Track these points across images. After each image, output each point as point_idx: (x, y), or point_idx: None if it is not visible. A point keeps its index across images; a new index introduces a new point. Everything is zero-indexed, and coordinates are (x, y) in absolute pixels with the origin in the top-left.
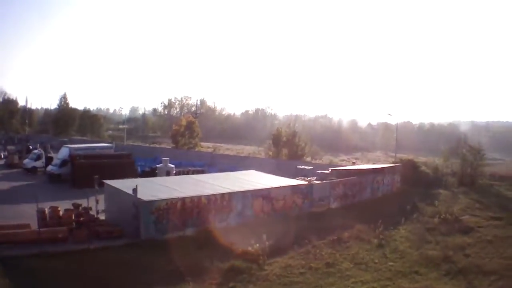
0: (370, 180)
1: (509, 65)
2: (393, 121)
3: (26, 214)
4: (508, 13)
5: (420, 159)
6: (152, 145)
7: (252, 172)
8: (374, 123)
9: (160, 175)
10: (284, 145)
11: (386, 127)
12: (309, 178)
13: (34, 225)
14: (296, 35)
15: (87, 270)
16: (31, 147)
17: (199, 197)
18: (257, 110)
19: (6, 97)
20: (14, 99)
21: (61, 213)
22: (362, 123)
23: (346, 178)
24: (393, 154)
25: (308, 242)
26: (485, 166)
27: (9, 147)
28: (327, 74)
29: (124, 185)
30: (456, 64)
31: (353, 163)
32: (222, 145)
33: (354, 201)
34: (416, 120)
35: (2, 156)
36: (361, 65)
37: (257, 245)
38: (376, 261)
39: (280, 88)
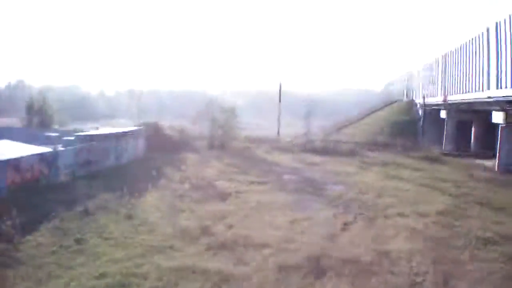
0: (113, 145)
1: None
2: (139, 87)
3: None
4: None
5: (166, 122)
6: None
7: (4, 142)
8: (121, 90)
9: None
10: (36, 114)
11: (132, 93)
12: (55, 146)
13: None
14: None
15: None
16: None
17: None
18: (18, 82)
19: None
20: None
21: None
22: (110, 92)
23: (89, 143)
24: (138, 120)
25: (55, 215)
26: (239, 129)
27: None
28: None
29: None
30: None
31: (96, 129)
32: None
33: (99, 168)
34: (165, 87)
35: None
36: (109, 35)
37: (9, 222)
38: (126, 235)
39: (35, 58)
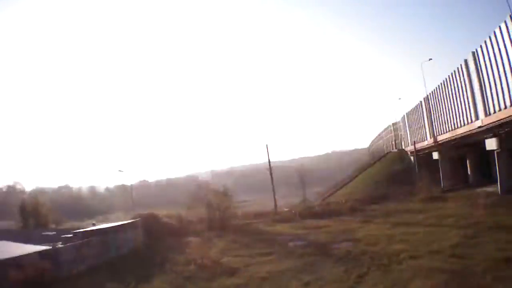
0: (112, 238)
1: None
2: (129, 181)
3: None
4: None
5: (162, 211)
6: None
7: (3, 243)
8: (111, 186)
9: None
10: (30, 216)
11: (123, 188)
12: (54, 244)
13: None
14: None
15: None
16: None
17: None
18: (8, 187)
19: None
20: None
21: None
22: (101, 188)
23: (88, 239)
24: (133, 212)
25: None
26: (235, 207)
27: None
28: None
29: None
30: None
31: (93, 224)
32: None
33: (101, 261)
34: (152, 178)
35: None
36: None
37: None
38: None
39: (24, 163)
